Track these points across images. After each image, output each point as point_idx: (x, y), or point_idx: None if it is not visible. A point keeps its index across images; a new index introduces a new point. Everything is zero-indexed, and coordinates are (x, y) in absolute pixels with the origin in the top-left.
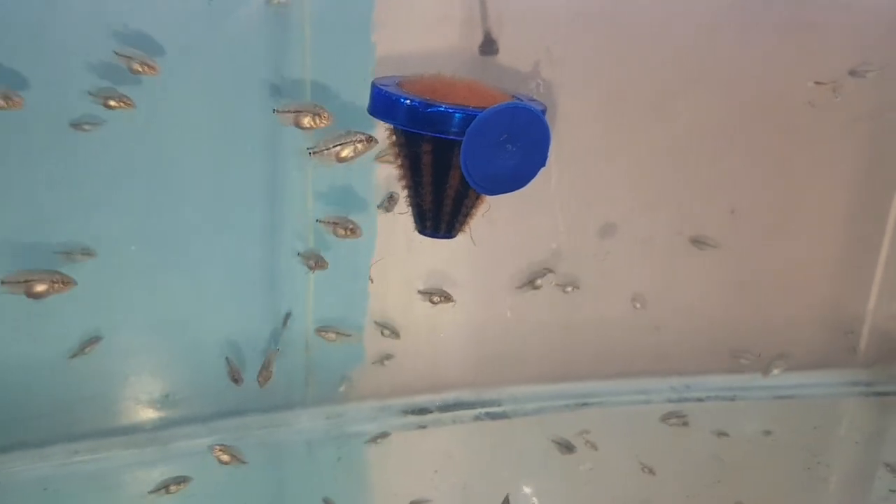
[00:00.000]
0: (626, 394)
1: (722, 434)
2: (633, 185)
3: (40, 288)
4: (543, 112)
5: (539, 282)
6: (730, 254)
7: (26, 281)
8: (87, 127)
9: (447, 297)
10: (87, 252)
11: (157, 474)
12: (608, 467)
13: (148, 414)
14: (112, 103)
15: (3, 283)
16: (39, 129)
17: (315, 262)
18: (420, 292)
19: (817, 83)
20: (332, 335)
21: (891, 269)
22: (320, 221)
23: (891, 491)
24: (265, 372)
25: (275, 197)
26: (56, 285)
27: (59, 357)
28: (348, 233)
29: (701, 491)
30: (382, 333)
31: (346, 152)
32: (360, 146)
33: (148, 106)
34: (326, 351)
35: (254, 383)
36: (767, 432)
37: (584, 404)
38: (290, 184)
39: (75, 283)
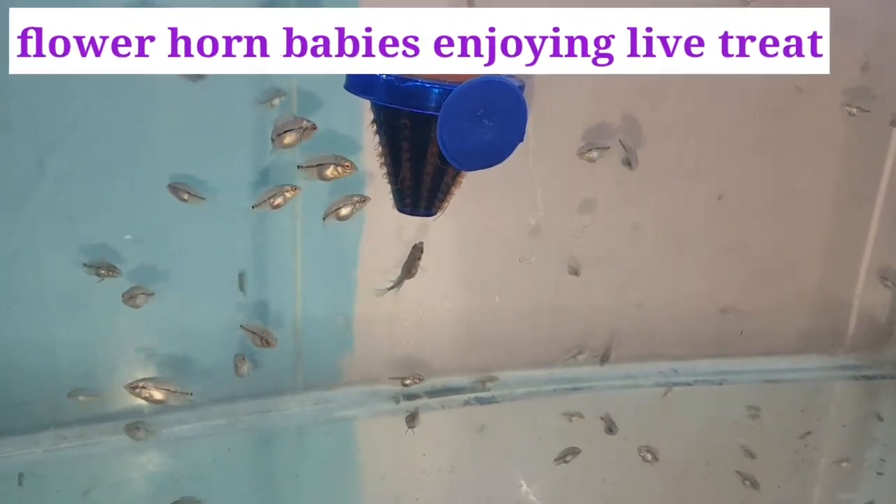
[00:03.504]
0: (615, 378)
1: (710, 417)
2: (620, 169)
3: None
4: (521, 88)
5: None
6: (717, 239)
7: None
8: None
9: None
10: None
11: (146, 460)
12: (597, 451)
13: (136, 400)
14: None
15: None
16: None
17: None
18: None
19: None
20: None
21: (878, 254)
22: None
23: (878, 473)
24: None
25: (260, 182)
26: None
27: (46, 344)
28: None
29: (689, 474)
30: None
31: (288, 139)
32: (305, 132)
33: (137, 99)
34: (315, 337)
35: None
36: (755, 415)
37: (574, 389)
38: (275, 169)
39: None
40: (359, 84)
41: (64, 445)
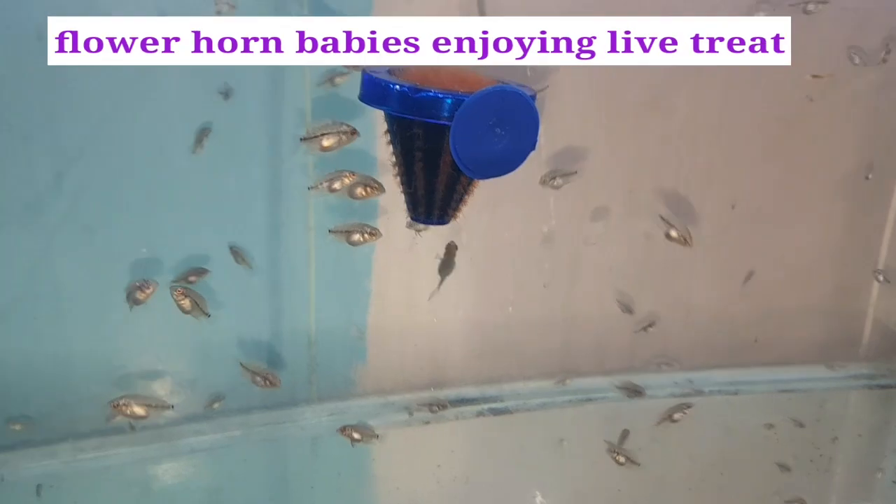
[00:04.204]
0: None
1: (725, 428)
2: (632, 179)
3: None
4: (533, 97)
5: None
6: (730, 248)
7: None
8: None
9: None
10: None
11: (162, 471)
12: (611, 461)
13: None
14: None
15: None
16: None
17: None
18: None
19: (814, 76)
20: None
21: (893, 262)
22: (333, 231)
23: (894, 482)
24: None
25: (275, 195)
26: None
27: (64, 356)
28: (367, 237)
29: (704, 484)
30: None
31: (328, 142)
32: (343, 137)
33: (149, 106)
34: (330, 349)
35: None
36: (770, 425)
37: (588, 400)
38: (290, 181)
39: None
40: (373, 95)
41: (81, 457)
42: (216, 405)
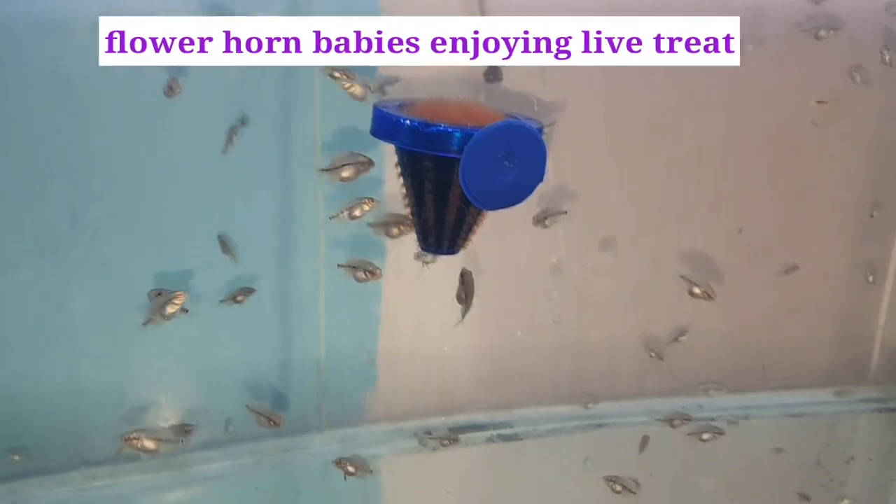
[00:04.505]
0: (639, 415)
1: (734, 453)
2: (638, 205)
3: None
4: (540, 130)
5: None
6: (737, 272)
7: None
8: None
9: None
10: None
11: (174, 499)
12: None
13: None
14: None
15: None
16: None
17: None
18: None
19: (819, 102)
20: None
21: None
22: (341, 266)
23: None
24: None
25: (286, 223)
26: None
27: (77, 385)
28: (368, 275)
29: None
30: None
31: (347, 173)
32: (360, 168)
33: (155, 133)
34: (339, 375)
35: None
36: (779, 450)
37: (599, 425)
38: (300, 210)
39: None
40: (384, 130)
41: (93, 484)
42: (227, 433)
